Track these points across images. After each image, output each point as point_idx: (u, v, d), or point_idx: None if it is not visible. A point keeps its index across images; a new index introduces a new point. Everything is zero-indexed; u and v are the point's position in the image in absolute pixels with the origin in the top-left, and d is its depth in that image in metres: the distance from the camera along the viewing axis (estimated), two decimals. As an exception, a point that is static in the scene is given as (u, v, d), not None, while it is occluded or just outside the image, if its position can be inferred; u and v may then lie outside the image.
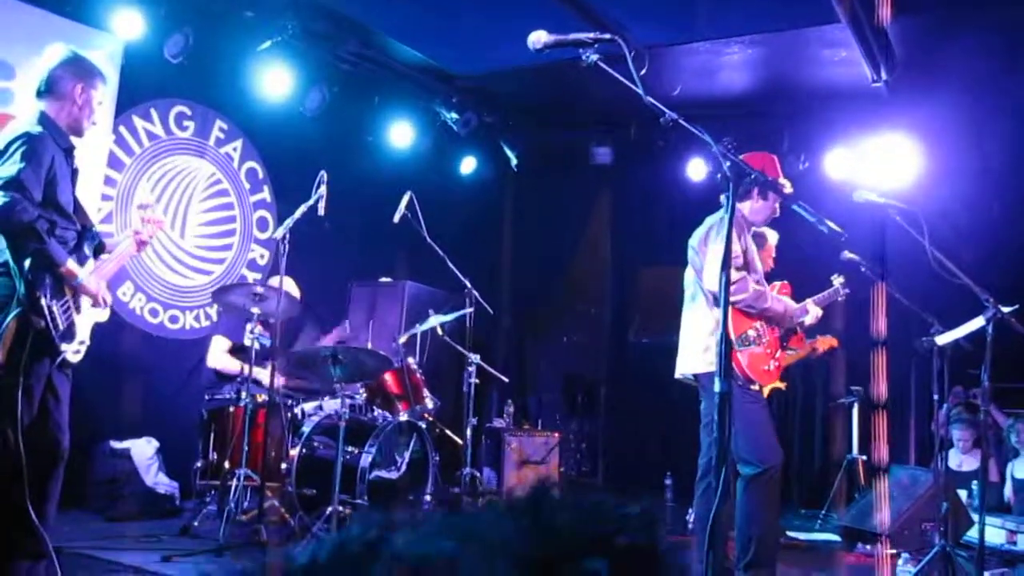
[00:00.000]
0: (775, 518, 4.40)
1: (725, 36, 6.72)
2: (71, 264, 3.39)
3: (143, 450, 5.82)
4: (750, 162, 4.45)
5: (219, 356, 6.01)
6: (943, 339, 4.77)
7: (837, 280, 4.89)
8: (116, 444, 5.79)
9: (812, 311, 4.69)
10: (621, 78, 2.44)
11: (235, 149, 7.23)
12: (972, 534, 5.56)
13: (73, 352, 3.43)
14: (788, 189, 4.20)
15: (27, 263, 3.19)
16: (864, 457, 6.88)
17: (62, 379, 3.48)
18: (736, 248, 4.27)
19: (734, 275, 4.19)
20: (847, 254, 4.89)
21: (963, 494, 6.03)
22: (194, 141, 6.90)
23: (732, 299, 4.19)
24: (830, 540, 6.44)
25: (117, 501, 5.65)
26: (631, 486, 8.37)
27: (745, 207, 4.52)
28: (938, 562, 4.73)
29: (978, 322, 4.40)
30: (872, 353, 6.90)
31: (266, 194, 7.47)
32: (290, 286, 6.30)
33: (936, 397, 5.12)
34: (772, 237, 5.29)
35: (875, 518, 5.68)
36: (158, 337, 6.63)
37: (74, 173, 3.65)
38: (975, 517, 5.55)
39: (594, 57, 2.41)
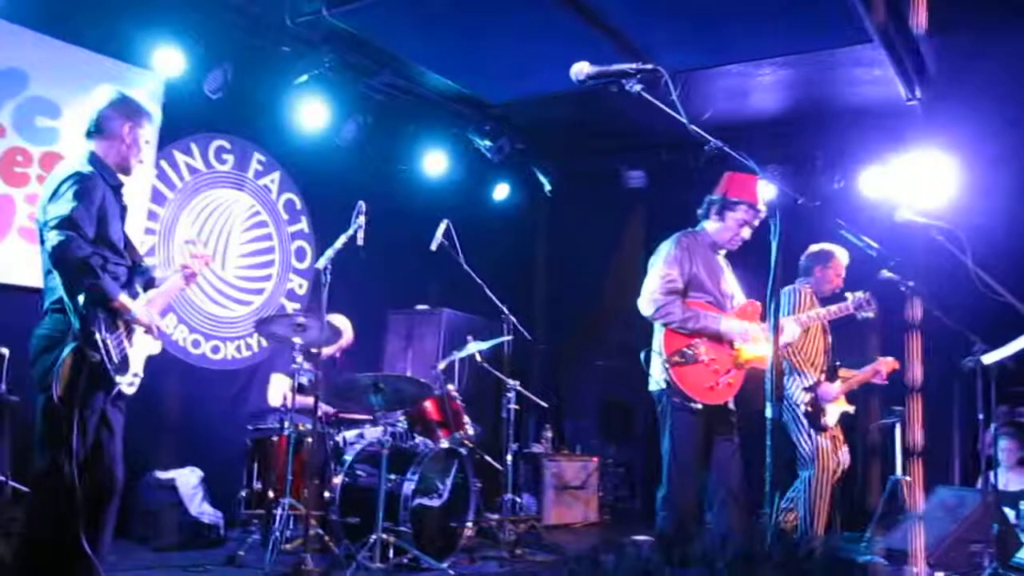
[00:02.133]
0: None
1: (757, 58, 6.73)
2: (124, 298, 3.46)
3: (187, 480, 5.87)
4: (726, 182, 4.51)
5: (280, 394, 5.92)
6: (989, 358, 4.71)
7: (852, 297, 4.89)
8: (161, 474, 5.85)
9: (789, 329, 4.56)
10: (664, 107, 2.47)
11: (273, 181, 7.34)
12: (1021, 555, 5.47)
13: (128, 384, 3.49)
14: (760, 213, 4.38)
15: (81, 298, 3.26)
16: (908, 478, 6.78)
17: (116, 412, 3.54)
18: (670, 272, 4.36)
19: (661, 299, 4.29)
20: (885, 273, 4.85)
21: (1009, 514, 5.92)
22: (233, 174, 7.02)
23: (661, 321, 4.31)
24: (875, 562, 6.34)
25: (162, 531, 5.69)
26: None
27: (708, 227, 4.58)
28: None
29: (1024, 341, 4.36)
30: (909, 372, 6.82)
31: (304, 224, 7.57)
32: (344, 324, 6.32)
33: (981, 416, 5.05)
34: (842, 255, 5.28)
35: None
36: (200, 368, 6.73)
37: (123, 210, 3.73)
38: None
39: (638, 87, 2.44)
